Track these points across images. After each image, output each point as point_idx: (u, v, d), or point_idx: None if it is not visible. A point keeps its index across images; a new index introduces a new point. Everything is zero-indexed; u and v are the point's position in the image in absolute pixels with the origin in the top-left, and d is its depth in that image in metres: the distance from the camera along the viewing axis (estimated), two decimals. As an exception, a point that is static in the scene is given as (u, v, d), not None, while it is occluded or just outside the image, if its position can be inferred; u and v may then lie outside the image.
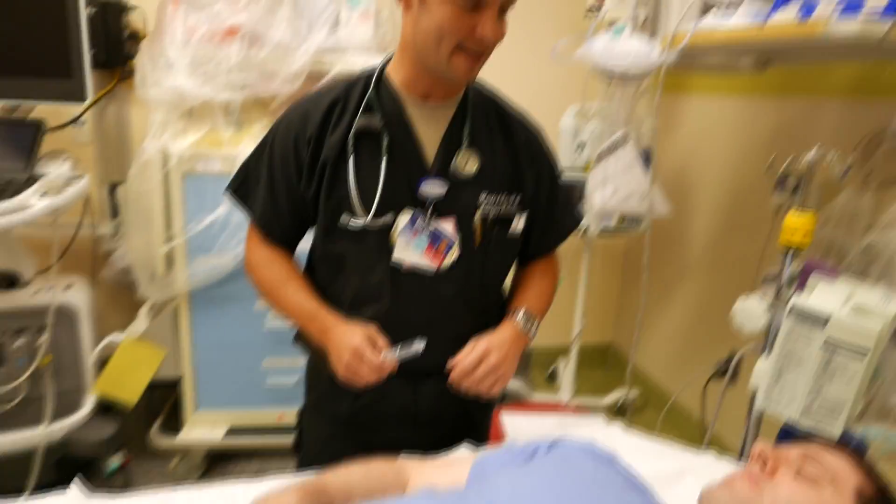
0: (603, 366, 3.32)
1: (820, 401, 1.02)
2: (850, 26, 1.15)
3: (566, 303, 2.65)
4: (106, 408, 2.20)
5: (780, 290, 1.14)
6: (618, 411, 2.80)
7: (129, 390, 2.07)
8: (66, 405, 2.03)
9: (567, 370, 2.69)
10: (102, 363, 2.11)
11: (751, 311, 1.11)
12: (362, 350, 1.04)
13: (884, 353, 1.58)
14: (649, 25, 1.70)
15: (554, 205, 1.26)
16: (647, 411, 2.87)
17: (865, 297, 1.04)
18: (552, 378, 3.06)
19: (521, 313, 1.18)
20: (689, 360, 2.63)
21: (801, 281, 1.15)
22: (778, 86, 2.06)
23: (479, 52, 1.03)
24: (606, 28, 1.62)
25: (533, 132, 1.23)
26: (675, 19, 1.57)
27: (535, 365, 3.22)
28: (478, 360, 1.08)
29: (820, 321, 1.00)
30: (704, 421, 1.92)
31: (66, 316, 2.01)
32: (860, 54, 1.61)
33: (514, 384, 2.84)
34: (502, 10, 1.02)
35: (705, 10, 1.60)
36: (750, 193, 2.22)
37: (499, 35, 1.02)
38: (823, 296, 1.04)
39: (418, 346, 1.06)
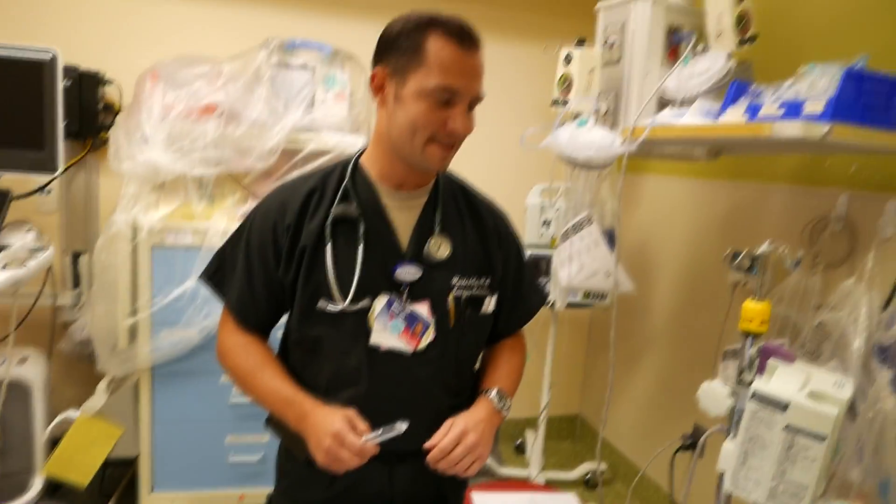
0: (571, 437, 3.31)
1: (784, 484, 1.05)
2: (792, 128, 1.25)
3: (534, 375, 2.66)
4: (55, 488, 2.09)
5: (742, 374, 1.19)
6: (587, 484, 2.78)
7: (82, 471, 1.97)
8: (13, 487, 1.92)
9: (535, 443, 2.68)
10: (55, 441, 2.01)
11: (714, 394, 1.15)
12: (343, 434, 1.03)
13: (842, 429, 1.64)
14: (610, 117, 1.82)
15: (521, 285, 1.30)
16: (615, 484, 2.85)
17: (821, 383, 1.09)
18: (520, 450, 3.03)
19: (494, 392, 1.19)
20: (656, 431, 2.66)
21: (760, 363, 1.20)
22: (730, 172, 2.20)
23: (451, 144, 1.10)
24: (571, 119, 1.72)
25: (499, 216, 1.29)
26: (634, 113, 1.69)
27: (502, 437, 3.19)
28: (455, 440, 1.08)
29: (780, 407, 1.04)
30: (673, 494, 1.94)
31: (18, 391, 1.92)
32: (801, 149, 1.74)
33: (482, 457, 2.81)
34: (471, 106, 1.09)
35: (662, 105, 1.72)
36: (708, 269, 2.32)
37: (468, 128, 1.09)
38: (782, 381, 1.09)
39: (400, 427, 1.05)
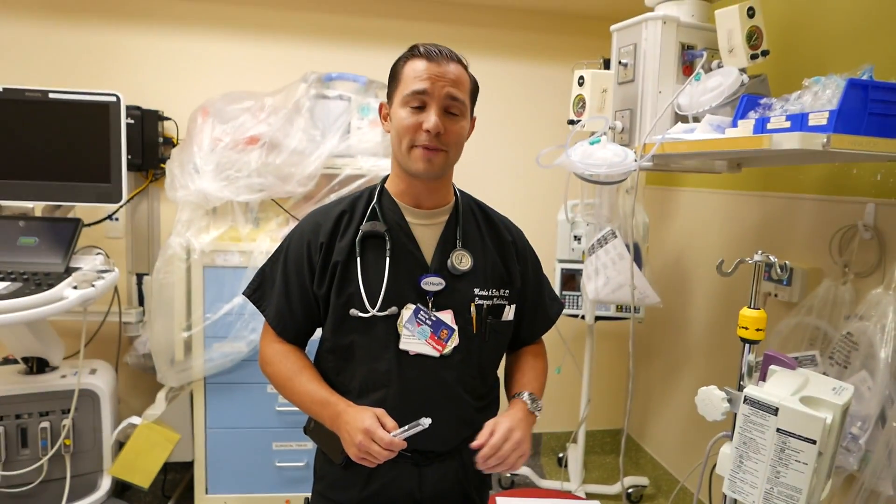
0: (615, 451, 3.30)
1: (779, 487, 1.07)
2: (791, 140, 1.28)
3: (576, 389, 2.69)
4: (122, 488, 2.28)
5: (741, 380, 1.22)
6: (629, 499, 2.77)
7: (143, 474, 2.15)
8: (84, 486, 2.11)
9: (575, 456, 2.70)
10: (121, 445, 2.20)
11: (710, 399, 1.18)
12: (373, 430, 1.11)
13: (870, 440, 1.61)
14: (626, 135, 1.87)
15: (540, 295, 1.40)
16: (658, 498, 2.83)
17: (817, 388, 1.11)
18: (562, 464, 3.05)
19: (526, 394, 1.28)
20: (697, 445, 2.63)
21: (762, 371, 1.23)
22: (759, 183, 2.20)
23: (433, 147, 1.18)
24: (588, 137, 1.79)
25: (516, 232, 1.39)
26: (647, 130, 1.74)
27: (545, 450, 3.22)
28: (504, 437, 1.16)
29: (771, 410, 1.07)
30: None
31: (89, 399, 2.13)
32: (815, 159, 1.73)
33: (524, 469, 2.84)
34: (451, 112, 1.19)
35: (679, 121, 1.77)
36: (741, 280, 2.31)
37: (440, 128, 1.16)
38: (776, 386, 1.12)
39: (424, 422, 1.12)
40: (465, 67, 1.23)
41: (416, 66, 1.18)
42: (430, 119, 1.16)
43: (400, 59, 1.23)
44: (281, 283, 1.29)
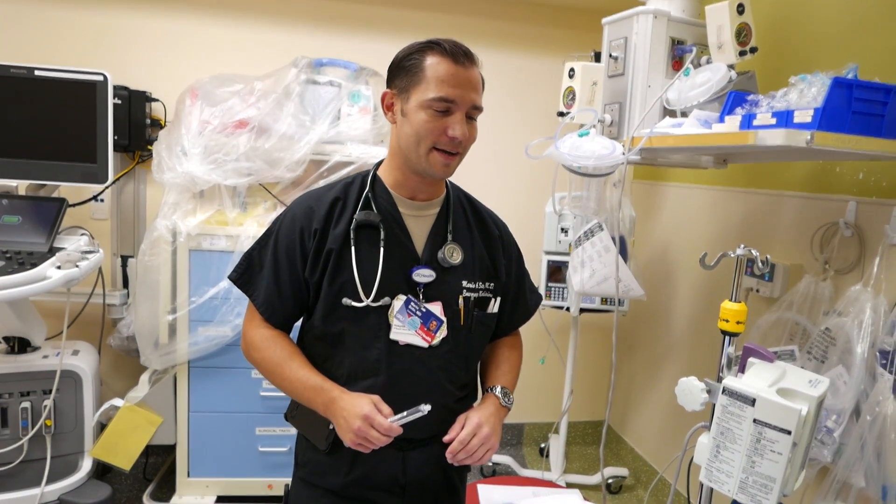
0: (597, 442, 3.34)
1: (754, 477, 1.09)
2: (776, 136, 1.30)
3: (560, 381, 2.72)
4: (104, 470, 2.27)
5: (721, 371, 1.24)
6: (609, 489, 2.81)
7: (125, 456, 2.14)
8: (65, 467, 2.11)
9: (556, 446, 2.73)
10: (102, 426, 2.19)
11: (690, 390, 1.21)
12: (372, 416, 1.13)
13: (844, 433, 1.65)
14: (616, 128, 1.89)
15: (521, 288, 1.42)
16: (637, 489, 2.87)
17: (794, 380, 1.13)
18: (544, 454, 3.08)
19: (499, 388, 1.31)
20: (677, 437, 2.67)
21: (741, 363, 1.25)
22: (745, 180, 2.22)
23: (453, 151, 1.19)
24: (577, 129, 1.80)
25: (502, 225, 1.41)
26: (636, 124, 1.76)
27: (527, 440, 3.25)
28: (472, 432, 1.19)
29: (748, 401, 1.09)
30: (689, 498, 1.97)
31: (71, 380, 2.12)
32: (799, 156, 1.76)
33: (506, 459, 2.88)
34: (470, 116, 1.19)
35: (668, 115, 1.78)
36: (724, 275, 2.34)
37: (466, 136, 1.17)
38: (754, 378, 1.14)
39: (423, 408, 1.14)
40: (479, 66, 1.21)
41: (442, 69, 1.14)
42: (458, 128, 1.15)
43: (415, 51, 1.17)
44: (270, 269, 1.28)
